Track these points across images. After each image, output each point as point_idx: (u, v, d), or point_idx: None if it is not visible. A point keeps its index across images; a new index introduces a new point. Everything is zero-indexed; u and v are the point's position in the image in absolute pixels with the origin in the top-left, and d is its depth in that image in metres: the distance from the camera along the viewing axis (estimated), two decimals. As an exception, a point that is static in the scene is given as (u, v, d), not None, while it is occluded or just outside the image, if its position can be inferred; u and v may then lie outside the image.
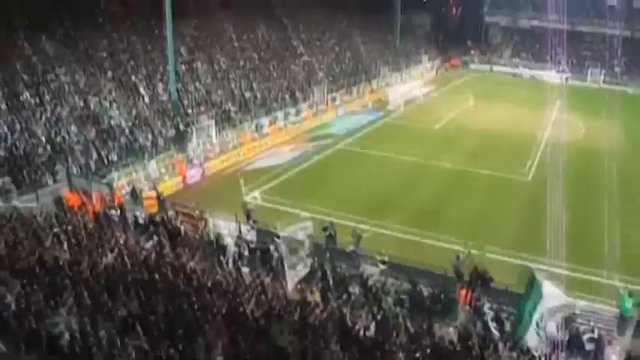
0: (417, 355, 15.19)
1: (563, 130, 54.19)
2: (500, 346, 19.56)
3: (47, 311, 13.42)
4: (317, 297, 21.31)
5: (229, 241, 25.97)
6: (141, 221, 27.33)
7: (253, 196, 34.76)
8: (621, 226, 32.52)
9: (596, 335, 20.76)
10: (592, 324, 21.90)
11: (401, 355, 14.96)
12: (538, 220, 33.31)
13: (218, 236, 26.40)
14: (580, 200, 36.53)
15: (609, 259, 28.03)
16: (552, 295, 18.96)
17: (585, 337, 20.66)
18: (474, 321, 22.20)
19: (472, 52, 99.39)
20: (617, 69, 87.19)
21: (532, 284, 19.85)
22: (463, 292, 24.05)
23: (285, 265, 23.64)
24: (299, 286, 22.15)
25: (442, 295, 23.04)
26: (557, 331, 20.14)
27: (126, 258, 19.53)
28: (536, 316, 19.00)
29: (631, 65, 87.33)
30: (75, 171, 33.80)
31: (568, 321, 21.05)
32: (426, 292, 23.38)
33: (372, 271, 25.20)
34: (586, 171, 42.39)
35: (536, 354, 19.09)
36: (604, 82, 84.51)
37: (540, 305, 18.92)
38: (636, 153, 48.41)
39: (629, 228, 32.42)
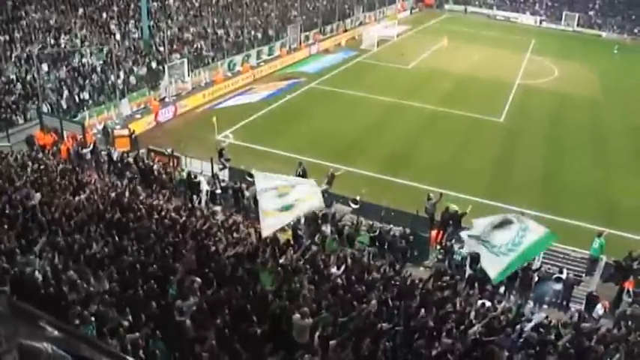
0: (388, 294, 15.58)
1: (536, 73, 54.62)
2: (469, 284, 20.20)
3: (19, 251, 13.65)
4: (289, 236, 21.63)
5: (202, 180, 26.14)
6: (113, 159, 27.41)
7: (225, 135, 34.82)
8: (593, 171, 33.39)
9: (564, 276, 21.36)
10: (560, 265, 22.55)
11: (372, 294, 15.32)
12: (510, 162, 34.04)
13: (190, 174, 26.56)
14: (552, 145, 37.23)
15: (581, 204, 28.88)
16: None
17: (554, 277, 21.23)
18: (446, 260, 22.79)
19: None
20: (591, 13, 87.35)
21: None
22: (434, 232, 24.60)
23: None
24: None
25: (413, 236, 23.46)
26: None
27: (98, 197, 19.77)
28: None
29: (605, 9, 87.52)
30: (46, 110, 33.58)
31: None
32: (397, 232, 23.83)
33: (343, 211, 25.51)
34: (557, 115, 42.99)
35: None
36: (578, 25, 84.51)
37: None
38: (608, 98, 48.99)
39: (601, 174, 33.23)
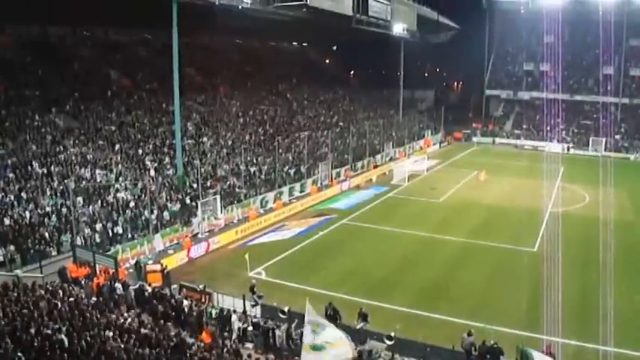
0: None
1: (567, 201, 54.27)
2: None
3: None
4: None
5: (234, 318, 25.66)
6: (145, 294, 27.08)
7: (258, 272, 34.47)
8: (632, 298, 32.27)
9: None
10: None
11: None
12: (547, 292, 32.95)
13: (222, 311, 26.13)
14: (588, 272, 36.21)
15: (618, 334, 27.66)
16: None
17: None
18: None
19: (474, 125, 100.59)
20: (617, 137, 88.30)
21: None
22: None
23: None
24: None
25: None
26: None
27: (129, 333, 19.31)
28: None
29: (631, 132, 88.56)
30: (80, 243, 33.66)
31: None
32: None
33: (378, 347, 24.79)
34: (592, 242, 41.98)
35: None
36: (605, 150, 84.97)
37: None
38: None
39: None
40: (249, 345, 24.44)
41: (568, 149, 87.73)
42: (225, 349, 20.95)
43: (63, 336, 17.35)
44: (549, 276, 34.98)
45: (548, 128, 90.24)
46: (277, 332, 24.99)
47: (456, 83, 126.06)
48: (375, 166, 69.51)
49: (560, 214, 49.38)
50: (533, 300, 31.77)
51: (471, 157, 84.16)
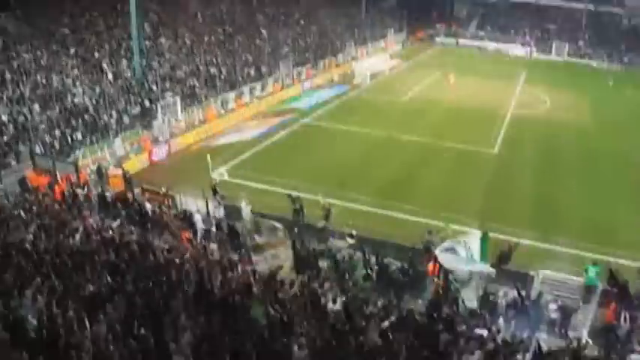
0: (386, 328, 15.28)
1: (528, 104, 54.87)
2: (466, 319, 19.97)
3: (13, 294, 13.38)
4: (286, 272, 21.41)
5: (197, 218, 25.95)
6: (107, 200, 27.20)
7: (220, 173, 34.71)
8: (586, 198, 33.29)
9: (561, 304, 21.24)
10: (557, 293, 22.38)
11: (370, 328, 15.07)
12: (504, 192, 33.92)
13: (185, 213, 26.40)
14: (545, 173, 37.19)
15: (574, 230, 28.69)
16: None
17: (550, 306, 21.08)
18: (444, 293, 22.49)
19: (438, 25, 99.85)
20: (580, 43, 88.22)
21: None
22: (431, 265, 24.33)
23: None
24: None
25: (410, 269, 23.22)
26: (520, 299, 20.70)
27: (93, 237, 19.53)
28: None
29: (594, 39, 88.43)
30: (39, 151, 33.41)
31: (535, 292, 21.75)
32: (394, 266, 23.62)
33: (340, 245, 25.34)
34: (550, 144, 43.00)
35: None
36: (568, 55, 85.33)
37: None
38: (599, 126, 49.01)
39: (592, 200, 33.16)
40: (214, 246, 24.76)
41: (531, 53, 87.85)
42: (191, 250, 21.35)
43: (27, 244, 17.49)
44: (508, 177, 36.00)
45: (512, 31, 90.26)
46: (241, 231, 25.37)
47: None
48: (337, 66, 69.09)
49: (521, 117, 50.11)
50: (493, 199, 32.71)
51: (433, 57, 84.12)
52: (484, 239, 20.75)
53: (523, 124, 48.30)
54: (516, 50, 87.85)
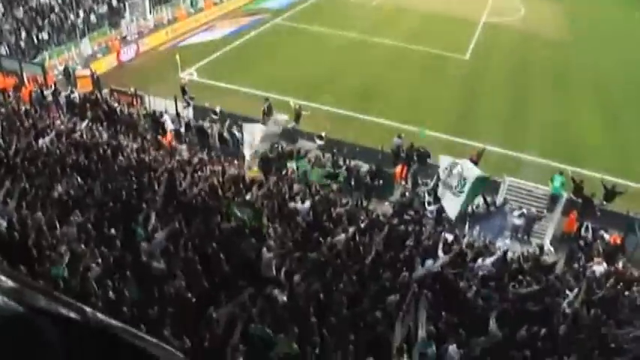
0: (354, 230, 15.67)
1: (501, 11, 54.25)
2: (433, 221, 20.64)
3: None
4: (256, 173, 21.76)
5: (166, 118, 26.05)
6: (76, 101, 27.12)
7: (189, 73, 34.55)
8: (555, 110, 33.64)
9: (525, 212, 21.98)
10: (522, 201, 23.13)
11: (339, 229, 15.49)
12: (475, 101, 34.18)
13: (154, 114, 26.47)
14: (515, 82, 37.32)
15: (542, 141, 29.23)
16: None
17: (515, 213, 21.79)
18: (410, 196, 23.06)
19: None
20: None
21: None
22: (399, 168, 24.83)
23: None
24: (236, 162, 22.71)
25: (378, 172, 23.69)
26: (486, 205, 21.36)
27: (61, 139, 19.61)
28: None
29: None
30: (5, 52, 32.93)
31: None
32: (362, 168, 24.10)
33: (309, 147, 25.69)
34: (522, 55, 42.88)
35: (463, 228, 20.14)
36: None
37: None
38: (576, 40, 48.51)
39: (562, 112, 33.50)
40: (183, 147, 25.02)
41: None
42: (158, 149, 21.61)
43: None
44: (479, 85, 36.10)
45: None
46: (210, 132, 25.60)
47: None
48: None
49: (494, 25, 49.65)
50: (463, 107, 32.98)
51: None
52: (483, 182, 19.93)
53: (496, 32, 47.93)
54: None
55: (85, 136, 20.89)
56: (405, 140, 25.37)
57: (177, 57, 33.32)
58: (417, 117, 29.75)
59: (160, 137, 24.41)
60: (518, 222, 21.83)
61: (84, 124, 23.31)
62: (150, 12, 42.20)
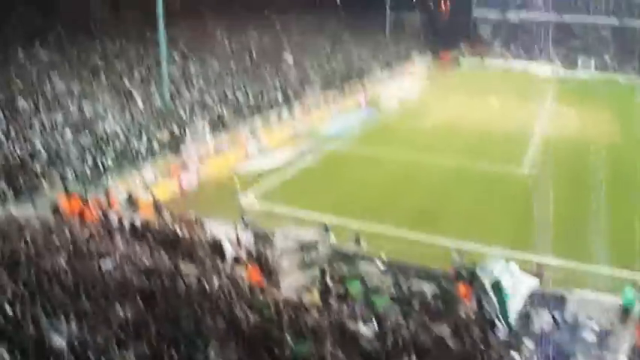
0: (418, 352, 15.12)
1: (556, 123, 54.43)
2: (499, 338, 19.75)
3: (45, 320, 13.41)
4: (315, 298, 21.31)
5: (226, 245, 25.97)
6: (137, 226, 27.32)
7: (249, 199, 34.75)
8: (620, 218, 32.67)
9: (596, 326, 20.93)
10: (592, 314, 22.09)
11: (402, 354, 14.94)
12: (535, 213, 33.44)
13: (215, 240, 26.44)
14: (576, 193, 36.70)
15: (610, 251, 28.19)
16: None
17: (585, 328, 20.80)
18: (475, 316, 22.27)
19: (462, 46, 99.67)
20: (606, 57, 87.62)
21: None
22: (462, 288, 24.14)
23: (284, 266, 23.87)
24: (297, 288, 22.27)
25: (441, 293, 23.05)
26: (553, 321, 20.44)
27: (124, 264, 19.58)
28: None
29: (620, 54, 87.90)
30: (70, 176, 33.74)
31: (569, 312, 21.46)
32: (425, 289, 23.46)
33: (371, 271, 25.23)
34: (581, 163, 42.50)
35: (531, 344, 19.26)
36: (595, 70, 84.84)
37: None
38: (630, 144, 48.23)
39: (627, 220, 32.40)
40: (243, 272, 24.72)
41: (557, 70, 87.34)
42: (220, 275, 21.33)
43: (60, 268, 17.58)
44: (538, 197, 35.49)
45: (537, 49, 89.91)
46: (270, 255, 25.33)
47: (443, 4, 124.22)
48: (363, 90, 69.01)
49: (549, 137, 49.71)
50: (523, 221, 32.33)
51: (459, 79, 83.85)
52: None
53: (552, 143, 47.83)
54: (542, 68, 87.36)
55: (145, 261, 20.83)
56: (465, 259, 24.74)
57: (237, 183, 33.67)
58: (476, 234, 29.44)
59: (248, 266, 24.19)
60: (590, 338, 20.72)
61: (145, 249, 23.32)
62: (210, 139, 43.04)
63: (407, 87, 69.47)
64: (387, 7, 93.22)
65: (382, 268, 25.40)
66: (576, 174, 40.14)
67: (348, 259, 26.09)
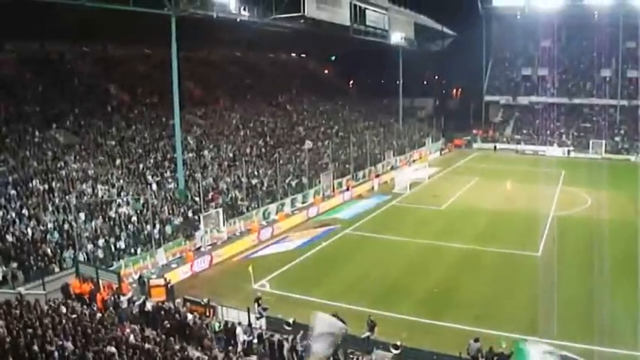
0: None
1: (569, 204, 54.14)
2: None
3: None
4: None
5: (239, 330, 25.56)
6: (149, 310, 27.03)
7: (262, 284, 34.37)
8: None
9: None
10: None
11: None
12: (551, 296, 32.74)
13: (227, 324, 26.05)
14: (592, 275, 35.82)
15: (629, 334, 27.37)
16: None
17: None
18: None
19: (474, 131, 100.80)
20: (617, 138, 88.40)
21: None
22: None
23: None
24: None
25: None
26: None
27: (132, 348, 19.22)
28: None
29: (631, 133, 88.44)
30: (82, 259, 33.62)
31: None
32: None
33: (384, 356, 24.73)
34: (596, 244, 41.70)
35: None
36: (606, 152, 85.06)
37: None
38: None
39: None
40: (254, 358, 24.30)
41: (569, 152, 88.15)
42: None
43: (67, 353, 17.26)
44: (554, 280, 34.86)
45: (548, 132, 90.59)
46: (285, 345, 24.85)
47: (455, 90, 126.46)
48: (377, 175, 69.25)
49: (563, 218, 49.38)
50: (539, 305, 31.63)
51: (471, 163, 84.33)
52: None
53: (566, 225, 47.34)
54: (554, 151, 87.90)
55: (155, 345, 20.44)
56: (482, 344, 24.10)
57: (250, 268, 33.45)
58: (493, 319, 28.93)
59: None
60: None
61: (155, 333, 22.94)
62: (223, 224, 43.01)
63: (419, 172, 69.65)
64: (400, 93, 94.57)
65: (396, 353, 24.95)
66: (591, 256, 39.12)
67: (363, 343, 25.66)
